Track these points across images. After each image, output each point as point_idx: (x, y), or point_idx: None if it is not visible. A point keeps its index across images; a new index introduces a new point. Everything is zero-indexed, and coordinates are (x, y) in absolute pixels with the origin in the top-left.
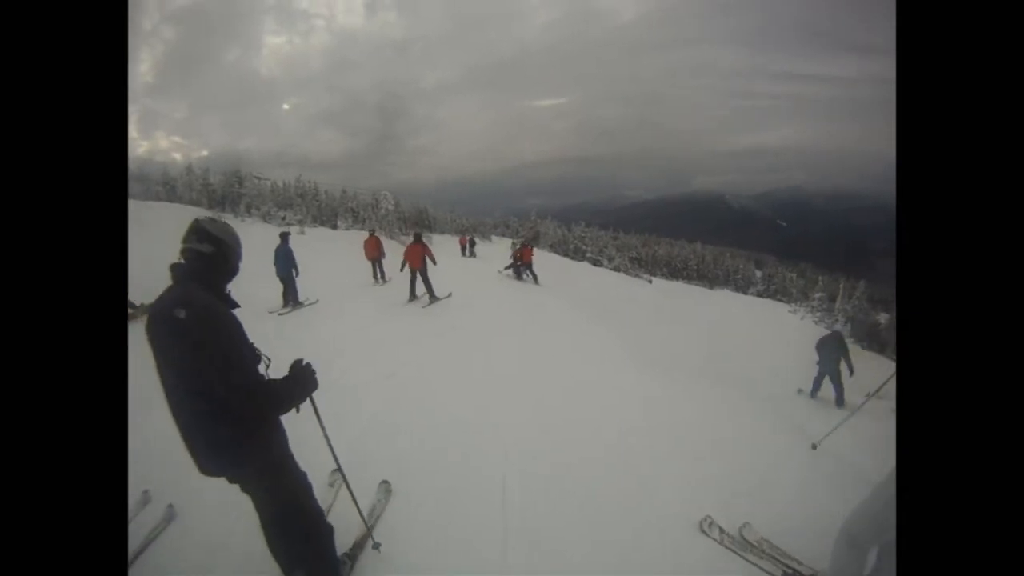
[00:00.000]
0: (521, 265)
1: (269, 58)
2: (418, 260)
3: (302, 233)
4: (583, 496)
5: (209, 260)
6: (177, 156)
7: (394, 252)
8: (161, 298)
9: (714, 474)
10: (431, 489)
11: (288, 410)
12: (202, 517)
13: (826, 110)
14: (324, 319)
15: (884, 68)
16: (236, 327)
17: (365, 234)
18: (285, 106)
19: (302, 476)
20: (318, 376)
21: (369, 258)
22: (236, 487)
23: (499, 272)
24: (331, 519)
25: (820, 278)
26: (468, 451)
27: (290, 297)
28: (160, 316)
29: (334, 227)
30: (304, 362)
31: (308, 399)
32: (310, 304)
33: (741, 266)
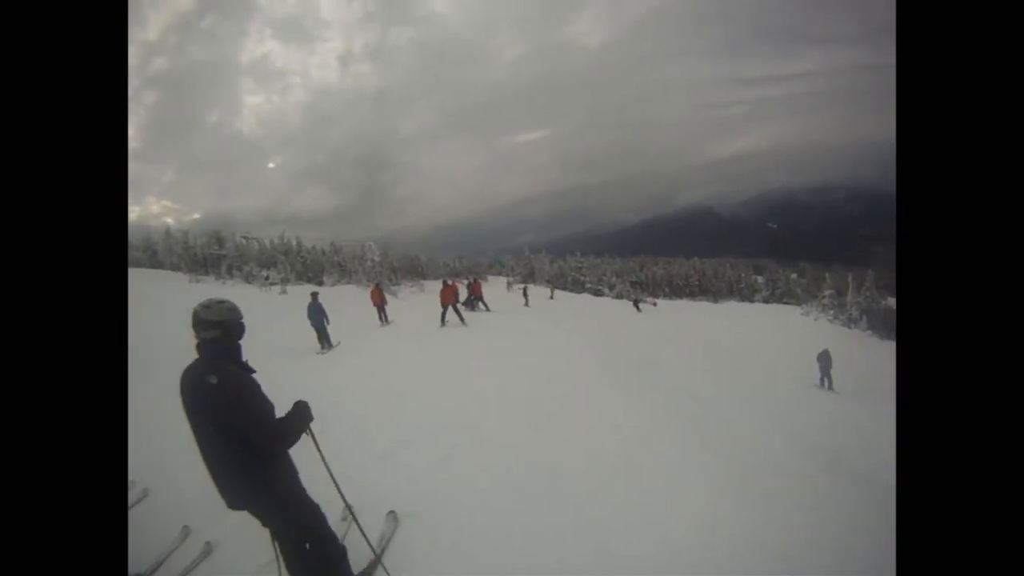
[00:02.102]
0: (474, 298)
1: (250, 118)
2: (450, 297)
3: (284, 293)
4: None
5: (219, 341)
6: (169, 220)
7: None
8: (192, 369)
9: None
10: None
11: (294, 441)
12: (236, 551)
13: (800, 106)
14: (352, 354)
15: (847, 56)
16: (256, 386)
17: (352, 287)
18: (270, 165)
19: (314, 506)
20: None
21: (374, 304)
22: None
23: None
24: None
25: (827, 274)
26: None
27: (325, 340)
28: (195, 384)
29: (320, 283)
30: (302, 401)
31: (310, 435)
32: (338, 345)
33: (742, 275)
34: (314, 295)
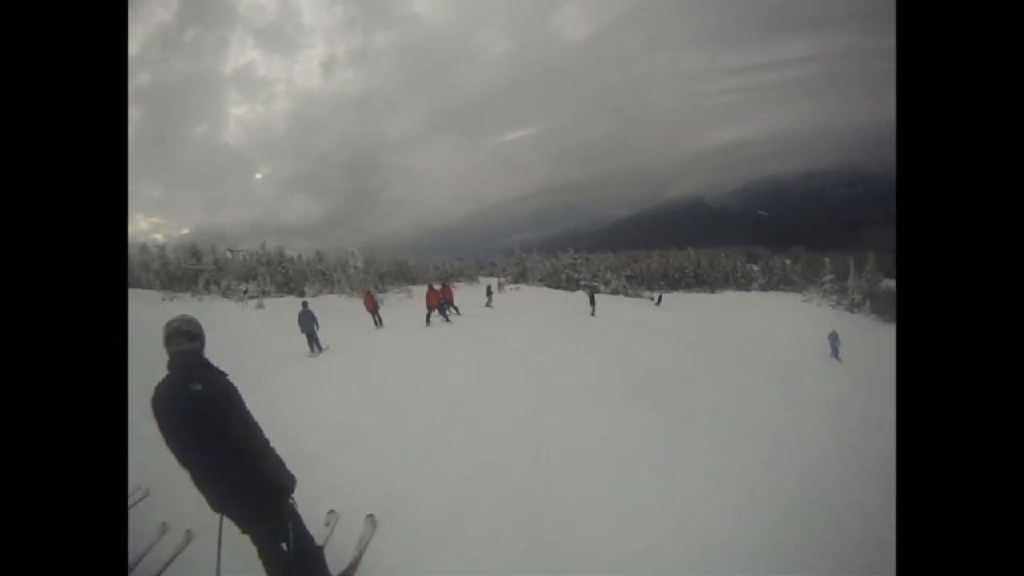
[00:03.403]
0: (444, 302)
1: (235, 129)
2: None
3: (261, 307)
4: None
5: (199, 352)
6: (159, 236)
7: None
8: (168, 383)
9: None
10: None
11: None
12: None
13: (787, 94)
14: (343, 355)
15: (838, 42)
16: (236, 388)
17: (333, 297)
18: (257, 175)
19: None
20: None
21: (368, 310)
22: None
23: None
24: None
25: (826, 259)
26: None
27: (315, 344)
28: (176, 395)
29: (302, 294)
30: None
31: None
32: (327, 348)
33: (738, 263)
34: (304, 304)
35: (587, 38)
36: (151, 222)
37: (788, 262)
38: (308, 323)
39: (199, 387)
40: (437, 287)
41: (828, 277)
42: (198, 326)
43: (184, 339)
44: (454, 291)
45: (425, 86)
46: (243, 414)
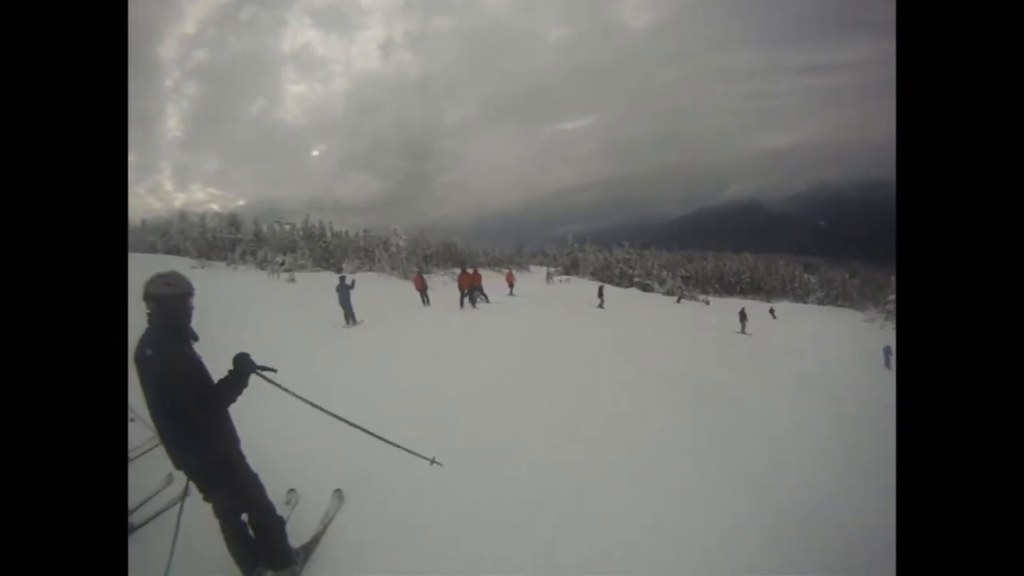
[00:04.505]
0: (475, 289)
1: (293, 107)
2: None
3: (292, 280)
4: None
5: (157, 314)
6: (215, 207)
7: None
8: (139, 341)
9: None
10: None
11: (232, 397)
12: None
13: (849, 98)
14: (374, 328)
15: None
16: (189, 357)
17: (373, 275)
18: (314, 152)
19: (253, 475)
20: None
21: (417, 289)
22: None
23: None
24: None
25: (892, 277)
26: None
27: (350, 317)
28: (137, 355)
29: (339, 270)
30: (241, 353)
31: (269, 381)
32: (361, 321)
33: (796, 273)
34: (341, 279)
35: (646, 28)
36: (208, 192)
37: (846, 276)
38: (344, 297)
39: (150, 352)
40: (471, 271)
41: (892, 297)
42: (155, 286)
43: (148, 300)
44: (514, 277)
45: (482, 71)
46: (194, 386)
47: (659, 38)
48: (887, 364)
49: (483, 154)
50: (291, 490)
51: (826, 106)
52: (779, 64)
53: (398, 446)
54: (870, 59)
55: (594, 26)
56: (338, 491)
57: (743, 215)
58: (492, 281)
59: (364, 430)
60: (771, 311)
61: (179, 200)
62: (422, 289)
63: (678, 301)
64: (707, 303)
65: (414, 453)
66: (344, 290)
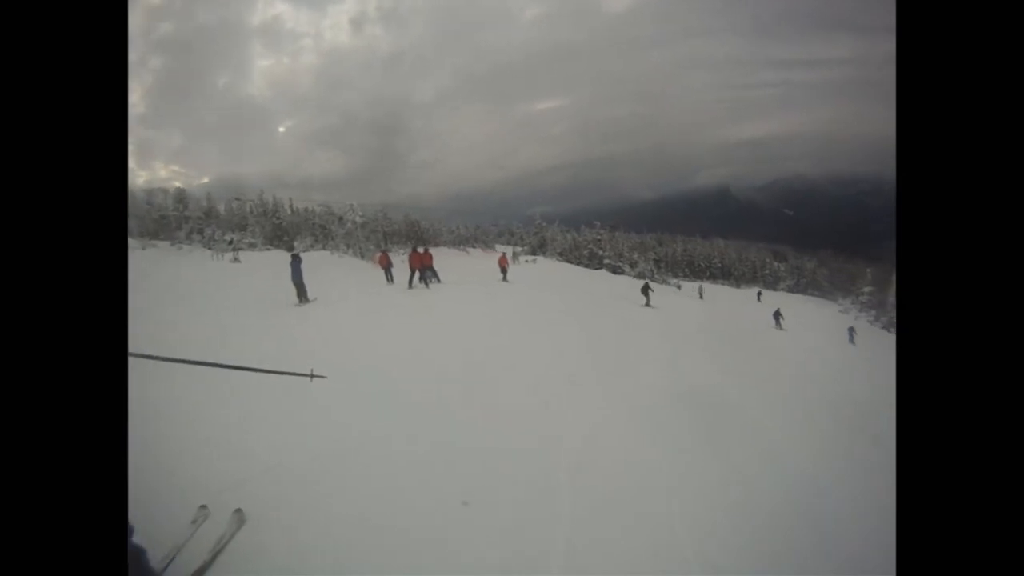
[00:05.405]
0: (425, 269)
1: (260, 81)
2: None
3: (236, 261)
4: None
5: None
6: (178, 184)
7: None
8: None
9: None
10: None
11: None
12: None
13: (825, 95)
14: (326, 306)
15: (883, 48)
16: None
17: (325, 253)
18: (281, 128)
19: None
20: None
21: (381, 267)
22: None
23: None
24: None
25: (868, 270)
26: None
27: (302, 295)
28: None
29: (290, 248)
30: None
31: None
32: (314, 300)
33: (766, 260)
34: (294, 256)
35: (625, 11)
36: (170, 170)
37: (815, 265)
38: (296, 275)
39: None
40: (420, 250)
41: (867, 289)
42: None
43: None
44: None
45: (455, 48)
46: None
47: (637, 23)
48: (851, 340)
49: (454, 132)
50: (202, 506)
51: (806, 101)
52: (756, 57)
53: (275, 372)
54: (854, 57)
55: (571, 5)
56: (239, 511)
57: (713, 201)
58: (489, 262)
59: (240, 368)
60: (759, 295)
61: (142, 178)
62: (386, 267)
63: (644, 291)
64: (679, 287)
65: (293, 374)
66: (295, 268)
